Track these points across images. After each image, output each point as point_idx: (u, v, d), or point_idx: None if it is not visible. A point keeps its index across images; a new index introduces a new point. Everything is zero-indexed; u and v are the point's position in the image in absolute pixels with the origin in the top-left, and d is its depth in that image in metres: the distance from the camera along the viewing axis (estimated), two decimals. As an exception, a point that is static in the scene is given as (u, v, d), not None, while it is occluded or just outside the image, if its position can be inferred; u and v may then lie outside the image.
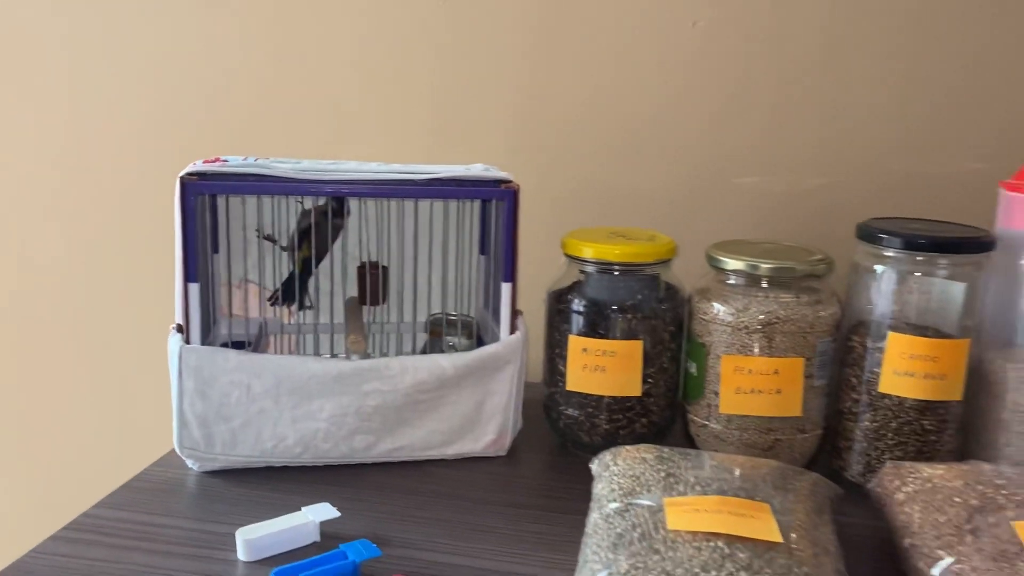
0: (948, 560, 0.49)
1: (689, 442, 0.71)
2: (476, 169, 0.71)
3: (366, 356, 0.69)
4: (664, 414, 0.71)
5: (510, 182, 0.69)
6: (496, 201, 0.70)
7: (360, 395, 0.67)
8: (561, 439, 0.74)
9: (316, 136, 0.89)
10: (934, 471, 0.57)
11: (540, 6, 0.82)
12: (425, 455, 0.70)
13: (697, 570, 0.45)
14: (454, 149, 0.87)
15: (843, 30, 0.77)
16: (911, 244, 0.63)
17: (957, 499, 0.53)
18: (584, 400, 0.70)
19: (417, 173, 0.68)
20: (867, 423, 0.66)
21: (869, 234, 0.65)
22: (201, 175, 0.64)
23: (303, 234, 0.73)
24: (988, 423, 0.65)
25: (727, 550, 0.46)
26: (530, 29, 0.83)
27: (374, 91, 0.88)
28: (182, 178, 0.63)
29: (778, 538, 0.47)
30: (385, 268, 0.76)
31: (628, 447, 0.61)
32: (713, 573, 0.45)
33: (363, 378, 0.67)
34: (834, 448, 0.69)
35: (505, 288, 0.70)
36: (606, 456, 0.61)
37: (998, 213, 0.65)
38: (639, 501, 0.52)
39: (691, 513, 0.50)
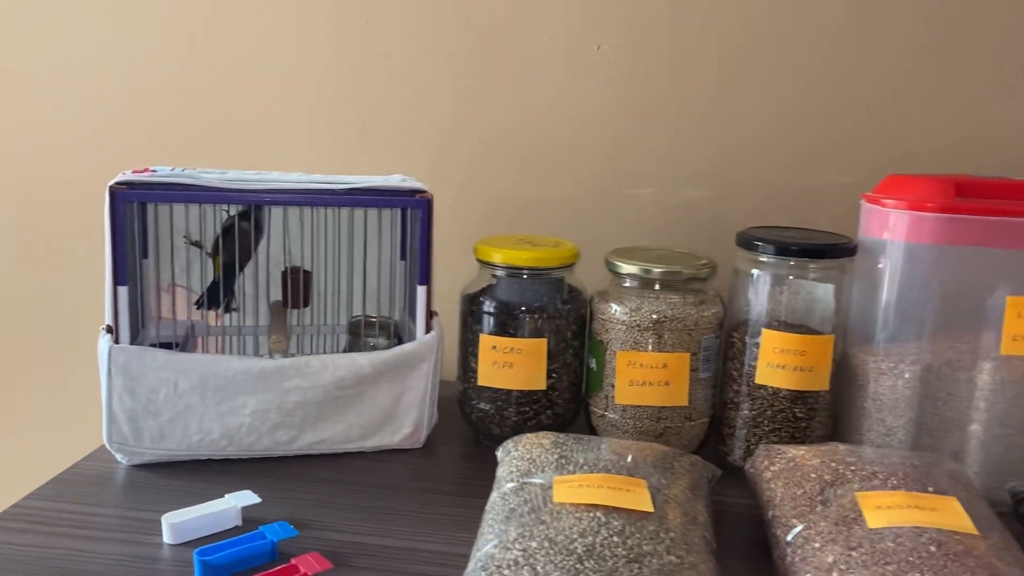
0: (799, 527, 0.56)
1: (591, 431, 0.78)
2: (394, 180, 0.76)
3: (288, 355, 0.73)
4: (568, 406, 0.77)
5: (424, 192, 0.74)
6: (411, 209, 0.75)
7: (282, 391, 0.71)
8: (474, 431, 0.79)
9: (249, 149, 0.93)
10: (797, 452, 0.64)
11: (463, 31, 0.88)
12: (345, 448, 0.75)
13: (575, 536, 0.51)
14: (380, 162, 0.92)
15: (733, 58, 0.85)
16: (783, 250, 0.71)
17: (813, 475, 0.60)
18: (494, 394, 0.76)
19: (336, 183, 0.73)
20: (746, 411, 0.73)
21: (747, 242, 0.72)
22: (130, 184, 0.68)
23: (222, 241, 0.77)
24: (853, 411, 0.73)
25: (604, 519, 0.52)
26: (453, 52, 0.89)
27: (306, 106, 0.92)
28: (111, 187, 0.67)
29: (649, 508, 0.53)
30: (308, 273, 0.81)
31: (529, 435, 0.66)
32: (589, 538, 0.50)
33: (284, 375, 0.71)
34: (719, 435, 0.76)
35: (420, 291, 0.75)
36: (509, 443, 0.66)
37: (860, 222, 0.72)
38: (532, 480, 0.58)
39: (576, 488, 0.55)
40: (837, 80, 0.84)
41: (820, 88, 0.84)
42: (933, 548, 0.50)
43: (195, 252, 0.79)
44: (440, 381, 0.80)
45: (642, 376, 0.72)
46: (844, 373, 0.73)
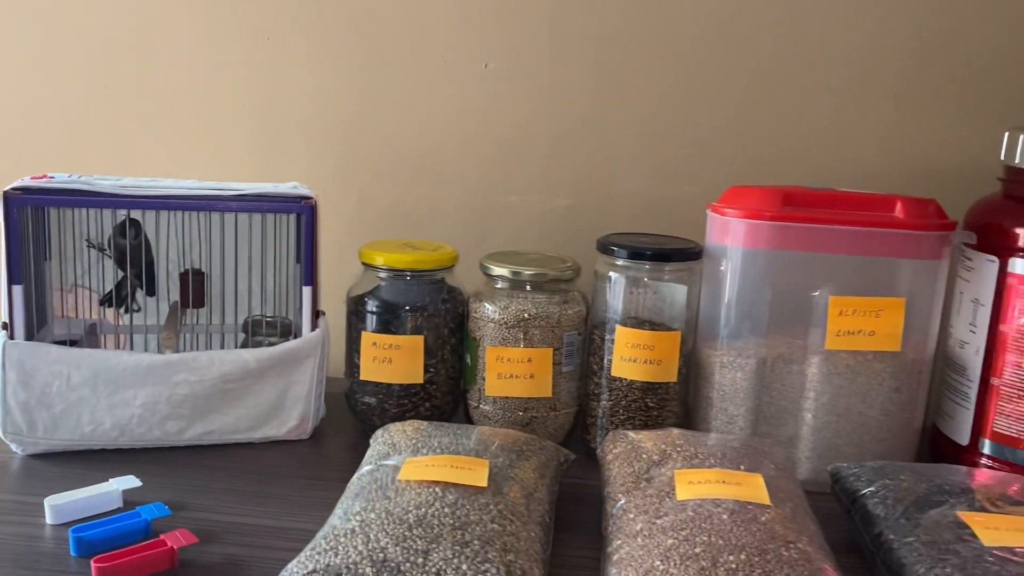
0: (622, 501, 0.62)
1: (468, 421, 0.83)
2: (285, 187, 0.82)
3: (177, 351, 0.78)
4: (446, 398, 0.83)
5: (310, 199, 0.80)
6: (297, 214, 0.81)
7: (171, 385, 0.76)
8: (360, 423, 0.85)
9: (155, 158, 0.98)
10: (637, 436, 0.70)
11: (360, 48, 0.94)
12: (234, 438, 0.80)
13: (411, 508, 0.56)
14: (282, 171, 0.97)
15: (604, 78, 0.91)
16: (636, 255, 0.77)
17: (644, 456, 0.66)
18: (376, 388, 0.82)
19: (226, 190, 0.79)
20: (605, 402, 0.79)
21: (605, 247, 0.79)
22: (24, 189, 0.73)
23: (112, 246, 0.82)
24: (701, 401, 0.80)
25: (440, 493, 0.58)
26: (351, 69, 0.94)
27: (209, 119, 0.97)
28: (5, 192, 0.72)
29: (483, 484, 0.59)
30: (202, 274, 0.86)
31: (399, 423, 0.72)
32: (423, 509, 0.56)
33: (173, 370, 0.76)
34: (584, 424, 0.82)
35: (306, 291, 0.81)
36: (380, 431, 0.72)
37: (707, 229, 0.79)
38: (387, 462, 0.64)
39: (421, 468, 0.61)
40: (689, 100, 0.91)
41: (675, 107, 0.91)
42: (725, 516, 0.56)
43: (96, 254, 0.83)
44: (331, 377, 0.86)
45: (510, 370, 0.79)
46: (694, 367, 0.80)
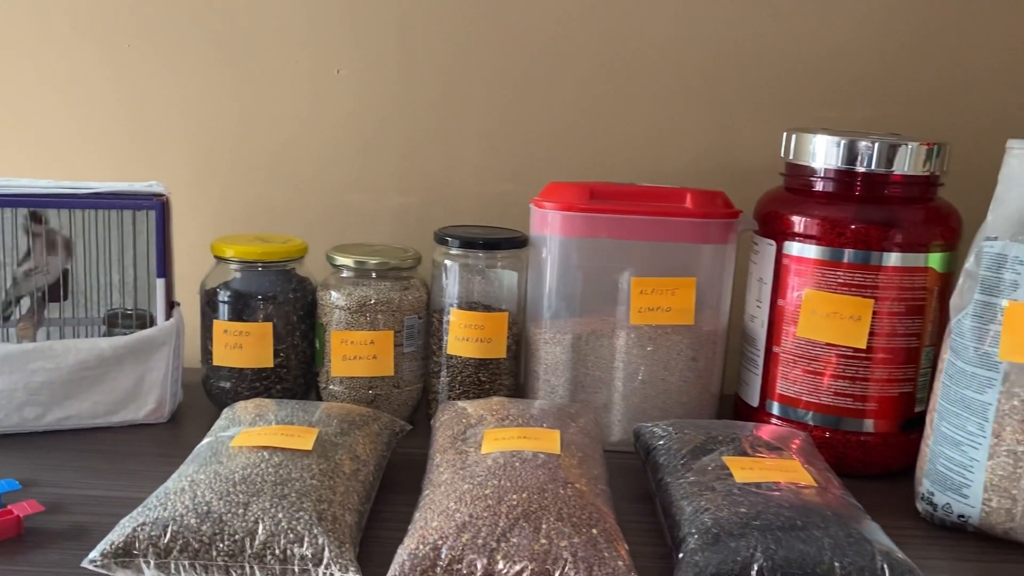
0: (437, 459, 0.70)
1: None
2: (140, 186, 0.87)
3: (34, 341, 0.83)
4: (298, 381, 0.90)
5: (161, 195, 0.85)
6: (148, 211, 0.86)
7: (27, 372, 0.80)
8: (217, 407, 0.90)
9: (12, 159, 1.02)
10: (464, 405, 0.78)
11: (218, 55, 1.00)
12: (93, 423, 0.84)
13: (238, 469, 0.63)
14: (146, 172, 1.02)
15: (450, 83, 1.00)
16: (468, 244, 0.86)
17: (464, 420, 0.74)
18: (230, 373, 0.87)
19: (82, 189, 0.83)
20: (444, 378, 0.87)
21: (441, 238, 0.87)
22: None
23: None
24: (529, 374, 0.89)
25: (268, 456, 0.65)
26: (211, 73, 1.00)
27: (76, 121, 1.01)
28: None
29: (308, 448, 0.66)
30: (67, 270, 0.90)
31: (245, 401, 0.78)
32: (249, 469, 0.63)
33: (29, 358, 0.80)
34: (428, 400, 0.90)
35: (160, 283, 0.86)
36: (226, 409, 0.78)
37: (531, 221, 0.88)
38: (224, 433, 0.70)
39: (253, 436, 0.68)
40: (525, 106, 1.00)
41: (512, 113, 1.00)
42: (517, 464, 0.65)
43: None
44: (192, 367, 0.91)
45: (354, 351, 0.86)
46: (524, 344, 0.89)
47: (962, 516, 0.71)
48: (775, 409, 0.85)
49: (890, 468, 0.82)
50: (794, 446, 0.74)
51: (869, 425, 0.81)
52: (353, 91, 1.01)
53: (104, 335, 0.92)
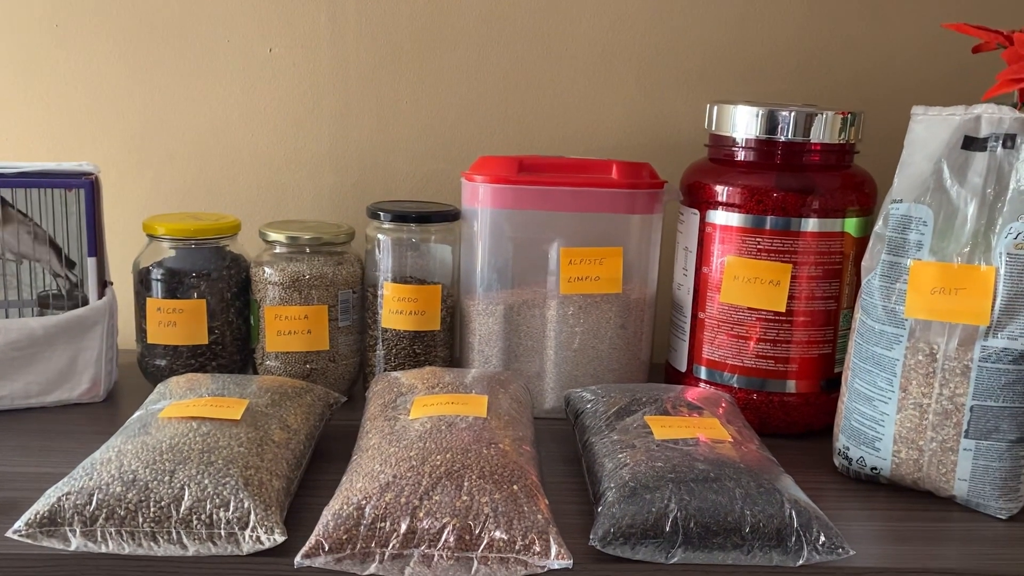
0: (367, 426, 0.71)
1: (257, 379, 0.91)
2: (68, 165, 0.86)
3: (-37, 322, 0.82)
4: (234, 358, 0.90)
5: (91, 174, 0.85)
6: (78, 189, 0.85)
7: (-44, 354, 0.80)
8: (153, 385, 0.90)
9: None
10: (397, 375, 0.79)
11: (149, 34, 0.99)
12: (27, 403, 0.84)
13: (166, 439, 0.64)
14: (74, 153, 1.01)
15: (385, 62, 1.00)
16: (399, 218, 0.87)
17: (395, 389, 0.76)
18: (165, 351, 0.88)
19: (10, 168, 0.83)
20: (380, 351, 0.89)
21: (373, 213, 0.88)
22: None
23: None
24: (464, 346, 0.90)
25: (197, 426, 0.66)
26: (141, 53, 1.00)
27: (8, 103, 1.00)
28: None
29: (236, 418, 0.67)
30: (-6, 251, 0.89)
31: (178, 376, 0.79)
32: (177, 439, 0.64)
33: (-43, 339, 0.80)
34: (365, 374, 0.91)
35: (91, 262, 0.86)
36: (160, 384, 0.78)
37: (462, 195, 0.89)
38: (155, 407, 0.71)
39: (182, 407, 0.69)
40: (456, 79, 1.01)
41: (443, 88, 1.01)
42: (443, 427, 0.66)
43: None
44: (129, 348, 0.91)
45: (288, 327, 0.86)
46: (459, 316, 0.90)
47: (875, 468, 0.75)
48: (702, 373, 0.88)
49: (812, 427, 0.86)
50: (716, 407, 0.76)
51: (791, 386, 0.85)
52: (286, 69, 1.01)
53: (36, 316, 0.92)
